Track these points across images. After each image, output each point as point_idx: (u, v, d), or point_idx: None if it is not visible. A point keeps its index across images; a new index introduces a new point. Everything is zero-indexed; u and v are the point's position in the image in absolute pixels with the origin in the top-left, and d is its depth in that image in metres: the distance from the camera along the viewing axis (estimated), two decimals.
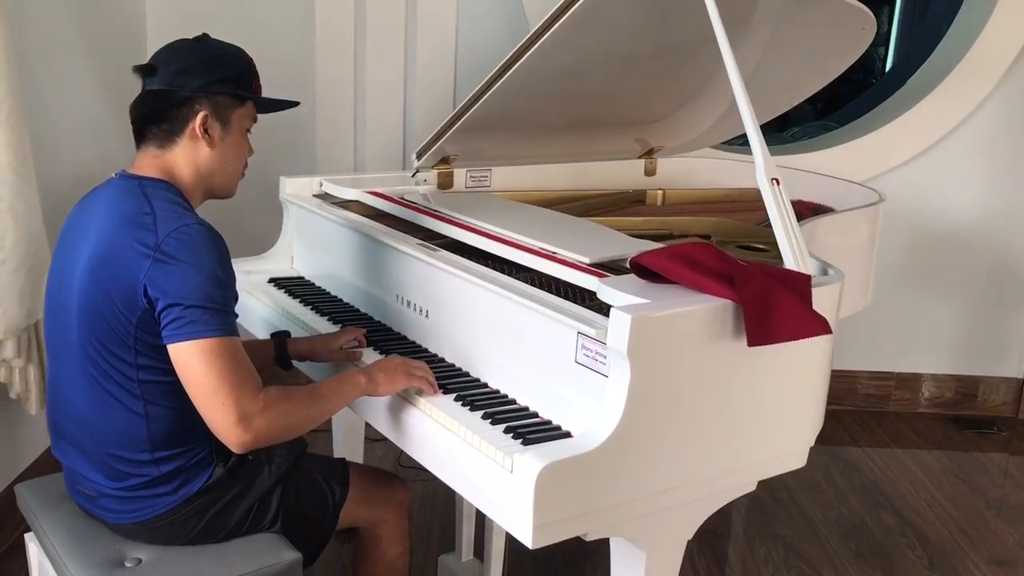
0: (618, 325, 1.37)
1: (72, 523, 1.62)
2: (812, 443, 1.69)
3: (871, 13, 2.44)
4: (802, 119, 5.44)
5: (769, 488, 3.00)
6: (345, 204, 2.33)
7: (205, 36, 1.61)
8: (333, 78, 3.32)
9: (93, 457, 1.53)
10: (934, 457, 3.33)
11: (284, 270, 2.41)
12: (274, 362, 1.84)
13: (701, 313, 1.43)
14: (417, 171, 2.52)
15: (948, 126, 3.42)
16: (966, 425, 3.62)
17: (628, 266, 1.58)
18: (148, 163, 1.55)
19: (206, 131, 1.55)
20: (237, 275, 2.31)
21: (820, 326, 1.47)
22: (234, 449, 1.43)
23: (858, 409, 3.68)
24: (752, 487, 1.64)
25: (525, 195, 2.61)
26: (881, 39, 7.24)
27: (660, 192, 2.85)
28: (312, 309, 2.12)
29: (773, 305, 1.45)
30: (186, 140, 1.54)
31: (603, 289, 1.53)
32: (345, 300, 2.18)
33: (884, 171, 3.46)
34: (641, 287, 1.52)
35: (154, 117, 1.53)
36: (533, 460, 1.33)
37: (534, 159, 2.76)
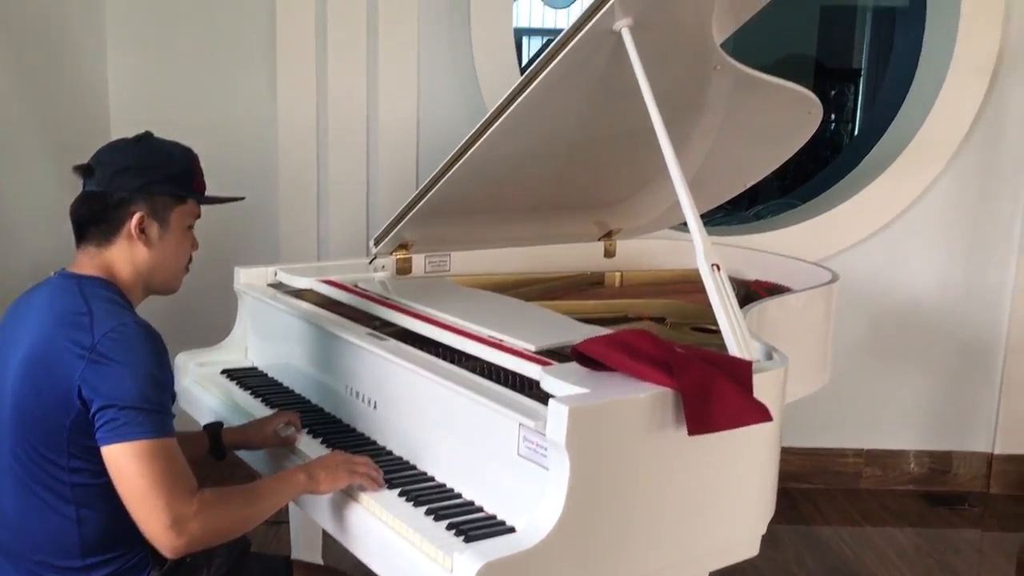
0: (556, 417, 1.36)
1: None
2: (763, 531, 1.67)
3: (816, 98, 2.50)
4: (768, 196, 5.52)
5: (740, 571, 2.94)
6: (300, 293, 2.33)
7: (147, 135, 1.62)
8: (296, 167, 3.35)
9: (19, 563, 1.48)
10: (906, 535, 3.30)
11: (238, 361, 2.39)
12: (208, 453, 1.81)
13: (640, 402, 1.43)
14: (375, 257, 2.53)
15: (903, 204, 3.47)
16: (937, 501, 3.59)
17: (570, 354, 1.58)
18: (87, 262, 1.54)
19: (143, 231, 1.54)
20: (190, 367, 2.33)
21: (761, 414, 1.46)
22: (167, 554, 1.40)
23: (829, 487, 3.65)
24: None
25: (483, 279, 2.62)
26: (848, 115, 7.42)
27: (618, 274, 2.86)
28: (262, 401, 2.10)
29: (713, 393, 1.44)
30: (123, 240, 1.54)
31: (545, 378, 1.53)
32: (297, 391, 2.16)
33: (844, 248, 3.50)
34: (582, 376, 1.51)
35: (91, 218, 1.53)
36: (472, 559, 1.30)
37: (493, 243, 2.78)
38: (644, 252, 3.08)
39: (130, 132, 1.65)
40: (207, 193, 1.66)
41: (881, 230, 3.50)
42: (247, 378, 2.26)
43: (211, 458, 1.83)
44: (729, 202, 4.31)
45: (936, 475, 3.69)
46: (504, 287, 2.53)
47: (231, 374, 2.29)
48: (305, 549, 2.51)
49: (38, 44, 2.91)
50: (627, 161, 2.62)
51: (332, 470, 1.57)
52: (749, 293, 2.69)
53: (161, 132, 1.67)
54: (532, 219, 2.75)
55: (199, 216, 1.67)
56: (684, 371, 1.44)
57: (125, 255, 1.55)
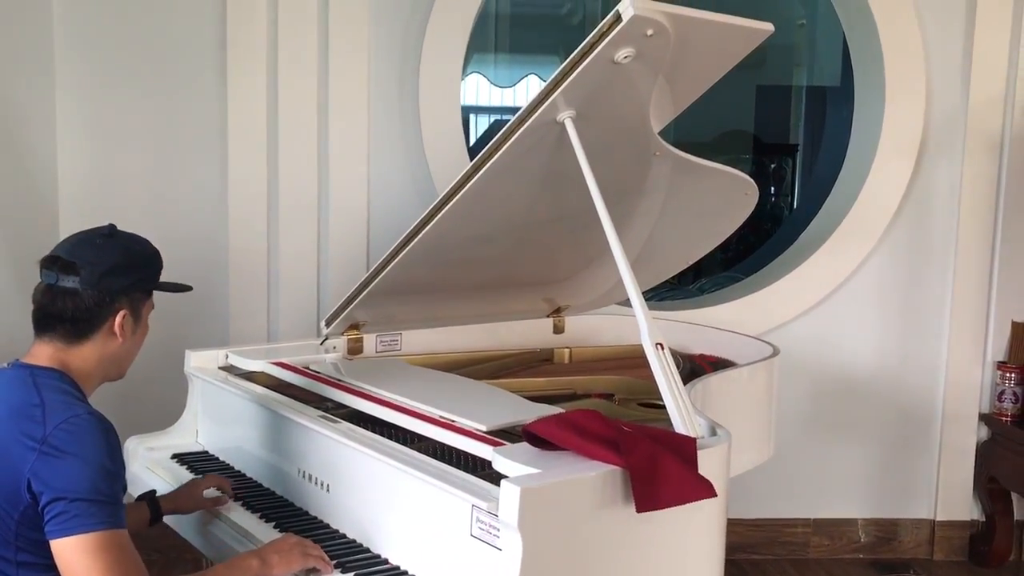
0: (508, 497, 1.39)
1: None
2: None
3: (751, 180, 2.60)
4: (711, 270, 5.65)
5: None
6: (251, 376, 2.34)
7: (114, 228, 1.66)
8: (246, 249, 3.37)
9: None
10: None
11: (188, 445, 2.39)
12: (149, 523, 1.85)
13: (590, 481, 1.47)
14: (327, 338, 2.55)
15: (840, 278, 3.59)
16: (883, 569, 3.64)
17: (521, 434, 1.62)
18: (45, 354, 1.56)
19: (122, 327, 1.58)
20: (140, 452, 2.32)
21: (705, 490, 1.51)
22: None
23: (779, 558, 3.69)
24: None
25: (435, 358, 2.65)
26: (787, 188, 7.65)
27: (567, 350, 2.92)
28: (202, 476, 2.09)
29: (659, 470, 1.49)
30: (100, 337, 1.57)
31: (497, 459, 1.56)
32: (248, 475, 2.16)
33: (785, 321, 3.59)
34: (533, 456, 1.55)
35: (69, 315, 1.55)
36: None
37: (444, 321, 2.82)
38: (592, 328, 3.14)
39: (80, 219, 1.70)
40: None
41: (819, 304, 3.61)
42: (198, 462, 2.25)
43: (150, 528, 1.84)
44: (675, 277, 4.42)
45: (882, 543, 3.75)
46: (455, 365, 2.57)
47: (182, 458, 2.29)
48: None
49: None
50: (573, 240, 2.70)
51: (285, 553, 1.58)
52: (694, 367, 2.76)
53: (111, 218, 1.71)
54: (482, 297, 2.81)
55: (154, 307, 1.70)
56: (631, 450, 1.49)
57: (95, 350, 1.58)
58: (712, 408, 2.19)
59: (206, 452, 2.34)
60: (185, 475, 2.18)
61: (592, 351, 2.94)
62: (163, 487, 2.15)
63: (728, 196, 2.67)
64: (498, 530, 1.44)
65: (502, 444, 1.63)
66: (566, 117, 1.97)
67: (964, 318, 3.62)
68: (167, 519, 1.99)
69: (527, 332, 3.02)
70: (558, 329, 3.11)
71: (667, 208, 2.63)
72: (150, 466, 2.27)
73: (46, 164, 3.29)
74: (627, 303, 3.39)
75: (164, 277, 1.73)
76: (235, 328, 3.35)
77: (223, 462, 2.26)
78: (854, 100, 3.79)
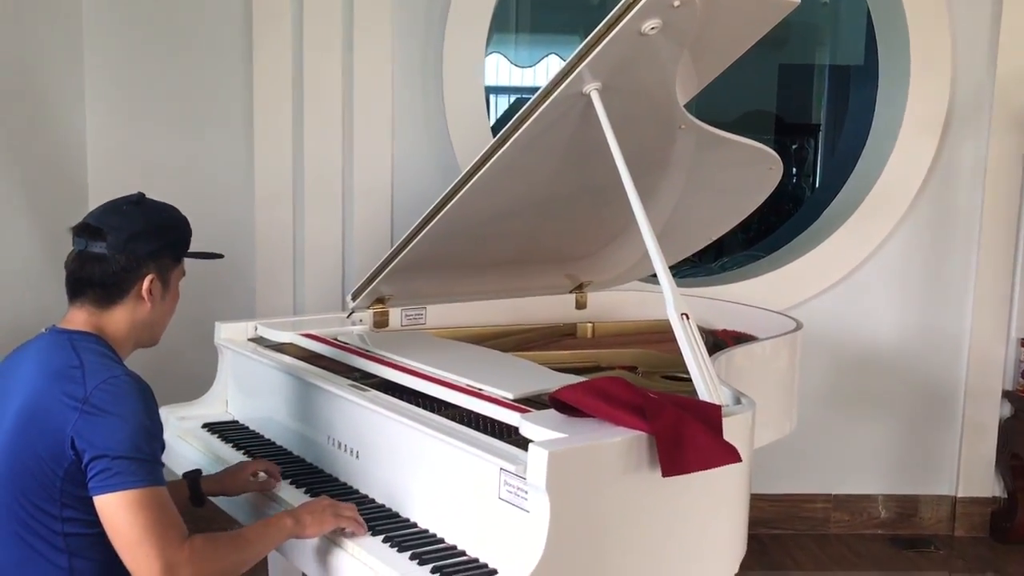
0: (536, 460, 1.42)
1: None
2: (735, 570, 1.72)
3: (775, 154, 2.61)
4: (733, 249, 5.65)
5: None
6: (280, 347, 2.38)
7: (142, 196, 1.68)
8: (272, 223, 3.41)
9: None
10: None
11: (218, 415, 2.43)
12: (188, 501, 1.85)
13: (616, 446, 1.49)
14: (352, 312, 2.59)
15: (863, 254, 3.59)
16: (904, 544, 3.66)
17: (548, 401, 1.64)
18: (81, 319, 1.59)
19: (150, 292, 1.61)
20: (171, 421, 2.36)
21: (730, 455, 1.53)
22: None
23: (799, 533, 3.71)
24: None
25: (459, 331, 2.68)
26: (809, 168, 7.62)
27: (590, 325, 2.94)
28: (244, 453, 2.13)
29: (685, 436, 1.51)
30: (130, 301, 1.60)
31: (524, 424, 1.59)
32: (279, 443, 2.19)
33: (807, 298, 3.61)
34: (560, 421, 1.58)
35: (99, 279, 1.58)
36: None
37: (468, 296, 2.85)
38: (614, 304, 3.16)
39: (108, 195, 1.72)
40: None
41: (842, 280, 3.62)
42: (228, 431, 2.29)
43: (191, 506, 1.86)
44: (697, 255, 4.42)
45: (902, 519, 3.77)
46: (479, 339, 2.59)
47: (212, 428, 2.33)
48: None
49: (18, 107, 2.96)
50: (596, 216, 2.71)
51: (318, 514, 1.61)
52: (717, 342, 2.78)
53: (141, 190, 1.74)
54: (505, 273, 2.83)
55: (185, 273, 1.73)
56: (657, 415, 1.51)
57: (126, 315, 1.61)
58: (735, 381, 2.21)
59: (236, 422, 2.39)
60: (214, 443, 2.23)
61: (615, 325, 2.95)
62: (194, 455, 2.20)
63: (752, 170, 2.67)
64: (526, 493, 1.46)
65: (528, 411, 1.66)
66: (592, 89, 1.98)
67: (988, 295, 3.62)
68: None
69: (550, 307, 3.04)
70: (580, 305, 3.13)
71: (691, 182, 2.64)
72: (181, 435, 2.31)
73: (75, 138, 3.34)
74: (650, 279, 3.43)
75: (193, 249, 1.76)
76: (262, 302, 3.40)
77: (253, 431, 2.30)
78: (878, 78, 3.78)
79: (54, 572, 1.48)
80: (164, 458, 2.26)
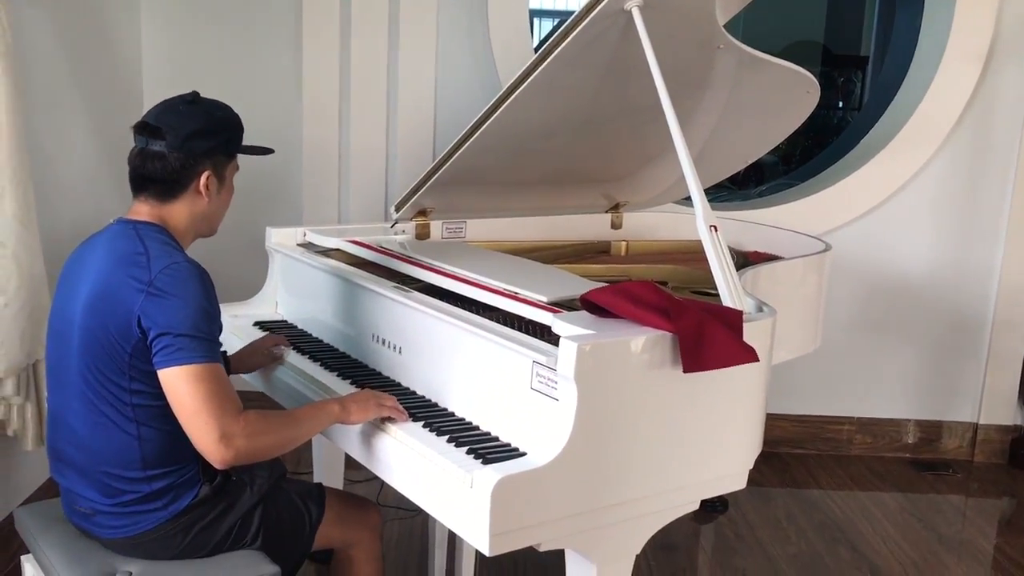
0: (566, 352, 1.53)
1: (67, 541, 1.75)
2: (751, 466, 1.84)
3: (813, 78, 2.65)
4: (774, 177, 5.66)
5: (732, 525, 3.13)
6: (327, 253, 2.50)
7: (197, 95, 1.78)
8: (319, 137, 3.52)
9: (89, 476, 1.67)
10: (892, 498, 3.48)
11: (269, 314, 2.57)
12: None
13: (641, 342, 1.60)
14: (396, 223, 2.70)
15: (898, 183, 3.63)
16: (923, 467, 3.76)
17: (579, 303, 1.75)
18: (145, 211, 1.72)
19: (207, 187, 1.72)
20: (224, 319, 2.49)
21: (749, 355, 1.63)
22: (216, 465, 1.59)
23: (821, 453, 3.83)
24: (695, 506, 1.79)
25: (497, 245, 2.78)
26: (856, 102, 7.53)
27: (624, 243, 3.03)
28: (295, 349, 2.27)
29: (706, 336, 1.61)
30: (188, 195, 1.72)
31: (556, 323, 1.70)
32: (325, 341, 2.33)
33: (840, 225, 3.66)
34: (590, 321, 1.69)
35: (159, 175, 1.69)
36: (490, 474, 1.48)
37: (506, 212, 2.94)
38: (649, 225, 3.24)
39: (161, 100, 1.81)
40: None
41: (875, 208, 3.66)
42: (277, 329, 2.43)
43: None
44: (736, 182, 4.47)
45: (923, 443, 3.87)
46: (516, 252, 2.69)
47: (263, 325, 2.47)
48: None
49: (76, 15, 3.07)
50: (634, 137, 2.77)
51: (362, 403, 1.75)
52: (747, 263, 2.85)
53: None
54: (544, 190, 2.91)
55: (238, 168, 1.84)
56: (681, 316, 1.62)
57: (186, 208, 1.73)
58: (761, 295, 2.30)
59: (285, 321, 2.52)
60: None
61: (648, 244, 3.04)
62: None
63: (790, 93, 2.71)
64: (556, 383, 1.58)
65: (561, 312, 1.77)
66: (633, 6, 2.04)
67: (1020, 228, 3.65)
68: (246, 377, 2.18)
69: (586, 226, 3.13)
70: (616, 225, 3.21)
71: (729, 105, 2.68)
72: (233, 332, 2.45)
73: (131, 50, 3.45)
74: (683, 202, 3.50)
75: (240, 157, 1.87)
76: (308, 212, 3.52)
77: (301, 329, 2.44)
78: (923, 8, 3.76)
79: (124, 438, 1.64)
80: None
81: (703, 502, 3.22)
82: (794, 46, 7.22)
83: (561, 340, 1.55)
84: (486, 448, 1.65)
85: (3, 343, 2.29)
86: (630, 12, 2.05)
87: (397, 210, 2.67)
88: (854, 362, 3.77)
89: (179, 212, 1.73)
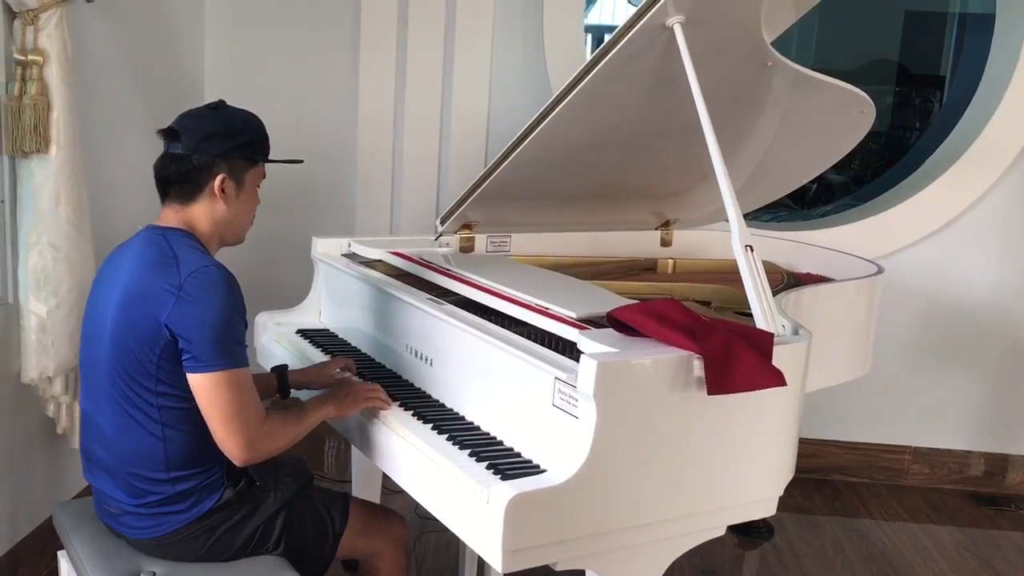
0: (586, 369, 1.51)
1: (98, 539, 1.79)
2: (780, 492, 1.79)
3: (867, 98, 2.59)
4: (841, 196, 5.53)
5: (776, 552, 3.06)
6: (370, 264, 2.52)
7: (222, 103, 1.82)
8: (373, 146, 3.56)
9: (117, 477, 1.71)
10: (948, 532, 3.36)
11: (312, 322, 2.60)
12: (276, 392, 2.06)
13: (664, 362, 1.57)
14: (440, 235, 2.70)
15: (961, 207, 3.51)
16: (983, 501, 3.63)
17: (605, 320, 1.73)
18: (171, 217, 1.75)
19: (223, 190, 1.74)
20: (269, 326, 2.55)
21: (776, 379, 1.59)
22: (238, 464, 1.66)
23: (875, 482, 3.72)
24: (721, 531, 1.75)
25: (539, 259, 2.77)
26: (934, 122, 7.33)
27: (671, 261, 2.99)
28: (331, 357, 2.29)
29: (732, 358, 1.58)
30: (206, 198, 1.74)
31: (582, 340, 1.68)
32: (363, 350, 2.35)
33: (899, 248, 3.56)
34: (616, 339, 1.66)
35: (177, 178, 1.73)
36: (506, 490, 1.47)
37: (553, 227, 2.93)
38: (701, 243, 3.20)
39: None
40: (271, 156, 1.85)
41: (939, 231, 3.55)
42: (319, 337, 2.46)
43: (278, 397, 2.05)
44: (804, 204, 4.38)
45: (986, 477, 3.73)
46: (558, 268, 2.68)
47: (305, 333, 2.50)
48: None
49: (141, 19, 3.15)
50: (688, 154, 2.73)
51: (351, 397, 1.86)
52: (798, 284, 2.79)
53: (252, 111, 1.87)
54: (591, 206, 2.89)
55: (265, 176, 1.86)
56: (707, 337, 1.58)
57: (206, 211, 1.75)
58: (804, 317, 2.25)
59: (327, 330, 2.55)
60: (306, 347, 2.39)
61: (696, 263, 3.00)
62: (286, 355, 2.38)
63: (844, 113, 2.65)
64: (576, 400, 1.56)
65: (588, 329, 1.75)
66: (675, 22, 2.01)
67: None
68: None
69: (635, 243, 3.10)
70: (666, 242, 3.18)
71: (784, 124, 2.64)
72: (277, 339, 2.49)
73: (194, 62, 3.53)
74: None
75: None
76: (360, 222, 3.56)
77: (341, 339, 2.46)
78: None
79: (149, 440, 1.67)
80: (261, 359, 2.48)
81: (746, 527, 3.17)
82: (870, 64, 7.06)
83: (582, 357, 1.53)
84: (506, 464, 1.64)
85: (54, 343, 2.36)
86: (672, 28, 2.02)
87: (442, 223, 2.68)
88: (913, 389, 3.66)
89: (200, 215, 1.75)
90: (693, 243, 3.20)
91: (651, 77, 2.23)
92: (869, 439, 3.72)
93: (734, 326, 1.68)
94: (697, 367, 1.59)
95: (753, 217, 4.37)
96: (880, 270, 2.69)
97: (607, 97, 2.25)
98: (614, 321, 1.70)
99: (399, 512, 2.06)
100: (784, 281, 2.73)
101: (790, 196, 5.54)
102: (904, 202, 3.56)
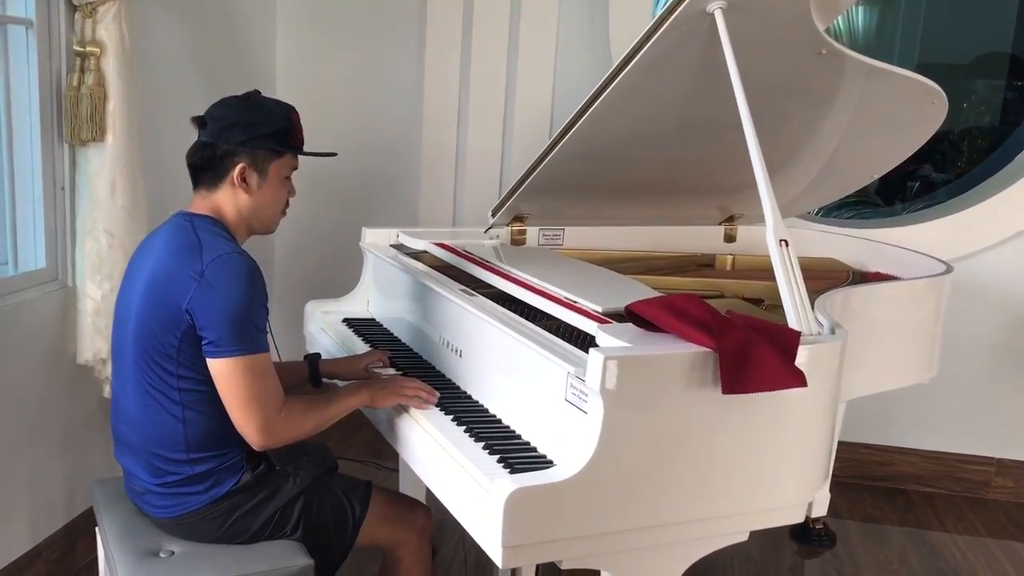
0: (593, 365, 1.47)
1: (124, 517, 1.84)
2: (809, 499, 1.71)
3: (938, 88, 2.46)
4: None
5: (836, 561, 2.94)
6: (418, 255, 2.52)
7: (255, 93, 1.83)
8: (437, 139, 3.56)
9: (141, 456, 1.74)
10: None
11: (359, 312, 2.62)
12: (308, 380, 2.06)
13: (676, 359, 1.51)
14: (491, 227, 2.68)
15: None
16: None
17: (624, 314, 1.68)
18: (200, 203, 1.78)
19: (244, 180, 1.75)
20: (316, 315, 2.57)
21: (796, 379, 1.51)
22: (256, 448, 1.68)
23: (953, 494, 3.53)
24: (743, 537, 1.68)
25: (591, 254, 2.72)
26: None
27: (730, 257, 2.90)
28: (370, 346, 2.30)
29: (751, 356, 1.51)
30: (228, 186, 1.76)
31: (600, 334, 1.64)
32: (403, 340, 2.35)
33: (981, 248, 3.36)
34: (634, 334, 1.62)
35: (202, 165, 1.76)
36: (507, 484, 1.44)
37: (609, 220, 2.87)
38: (765, 239, 3.09)
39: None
40: (305, 148, 1.85)
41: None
42: (363, 327, 2.47)
43: (309, 385, 2.05)
44: (903, 200, 4.19)
45: None
46: (608, 262, 2.63)
47: (350, 323, 2.52)
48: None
49: (219, 31, 3.23)
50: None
51: (388, 390, 1.85)
52: (864, 283, 2.67)
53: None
54: (650, 200, 2.83)
55: (296, 168, 1.86)
56: (725, 334, 1.52)
57: (229, 199, 1.77)
58: (853, 318, 2.15)
59: (373, 319, 2.57)
60: (349, 336, 2.41)
61: (756, 259, 2.90)
62: (329, 344, 2.40)
63: (914, 105, 2.54)
64: (587, 395, 1.52)
65: (609, 323, 1.70)
66: (716, 8, 1.95)
67: None
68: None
69: (697, 238, 3.02)
70: (729, 237, 3.09)
71: (856, 118, 2.54)
72: (323, 327, 2.52)
73: (266, 58, 3.60)
74: (807, 217, 3.32)
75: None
76: (425, 213, 3.57)
77: (385, 329, 2.47)
78: None
79: (170, 421, 1.70)
80: (309, 347, 2.50)
81: (806, 534, 3.05)
82: (983, 58, 6.74)
83: (591, 352, 1.49)
84: (518, 458, 1.61)
85: (107, 326, 2.43)
86: (712, 15, 1.95)
87: (493, 215, 2.66)
88: (997, 398, 3.46)
89: (225, 202, 1.77)
90: (760, 239, 3.08)
91: (697, 66, 2.16)
92: (949, 448, 3.53)
93: (758, 323, 1.61)
94: (713, 364, 1.52)
95: (835, 215, 4.22)
96: (949, 269, 2.55)
97: (652, 87, 2.19)
98: (633, 315, 1.65)
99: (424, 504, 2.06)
100: (849, 279, 2.61)
101: (883, 194, 5.34)
102: (987, 200, 3.36)
